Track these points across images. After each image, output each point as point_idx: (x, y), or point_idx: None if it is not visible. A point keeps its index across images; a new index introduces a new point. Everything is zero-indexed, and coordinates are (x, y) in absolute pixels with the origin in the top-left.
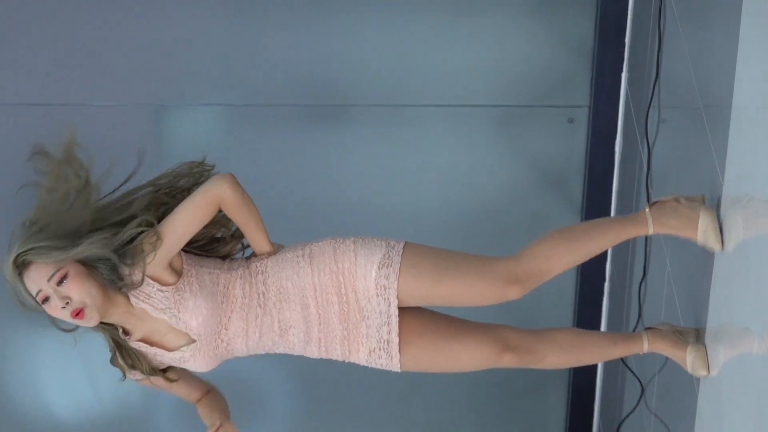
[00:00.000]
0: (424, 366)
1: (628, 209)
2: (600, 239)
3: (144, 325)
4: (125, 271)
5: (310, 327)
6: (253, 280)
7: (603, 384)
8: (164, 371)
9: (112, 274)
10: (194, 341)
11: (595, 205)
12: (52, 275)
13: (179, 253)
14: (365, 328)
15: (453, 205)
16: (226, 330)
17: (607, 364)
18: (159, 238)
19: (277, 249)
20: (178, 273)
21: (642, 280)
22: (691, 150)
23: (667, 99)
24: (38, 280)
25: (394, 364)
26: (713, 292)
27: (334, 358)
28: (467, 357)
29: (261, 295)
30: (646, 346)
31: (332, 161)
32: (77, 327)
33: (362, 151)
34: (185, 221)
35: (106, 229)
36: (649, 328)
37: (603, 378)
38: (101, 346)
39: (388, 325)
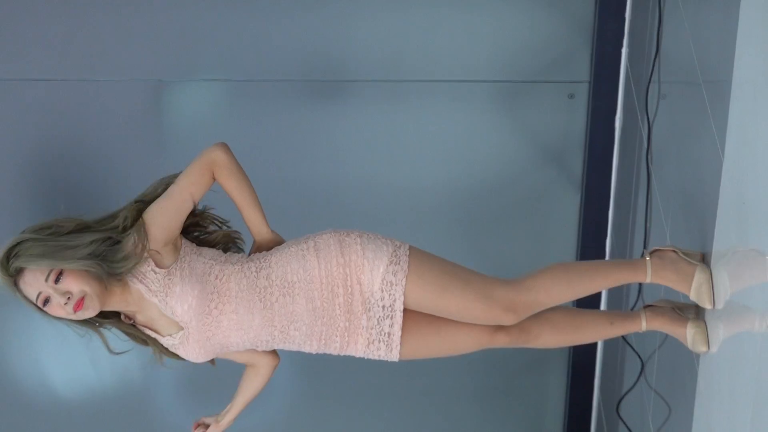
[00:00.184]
0: (421, 352)
1: (627, 186)
2: (598, 282)
3: (142, 308)
4: (129, 243)
5: (314, 320)
6: (254, 275)
7: (603, 360)
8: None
9: (106, 262)
10: (182, 328)
11: (595, 181)
12: (48, 275)
13: (180, 236)
14: (366, 320)
15: (453, 180)
16: (218, 323)
17: (608, 341)
18: (155, 212)
19: (275, 236)
20: (177, 253)
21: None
22: (691, 125)
23: (667, 75)
24: (35, 283)
25: (392, 355)
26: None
27: (331, 351)
28: (462, 338)
29: (263, 290)
30: (644, 324)
31: (332, 136)
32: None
33: (362, 126)
34: (180, 187)
35: (96, 232)
36: (648, 306)
37: (603, 354)
38: None
39: (392, 318)
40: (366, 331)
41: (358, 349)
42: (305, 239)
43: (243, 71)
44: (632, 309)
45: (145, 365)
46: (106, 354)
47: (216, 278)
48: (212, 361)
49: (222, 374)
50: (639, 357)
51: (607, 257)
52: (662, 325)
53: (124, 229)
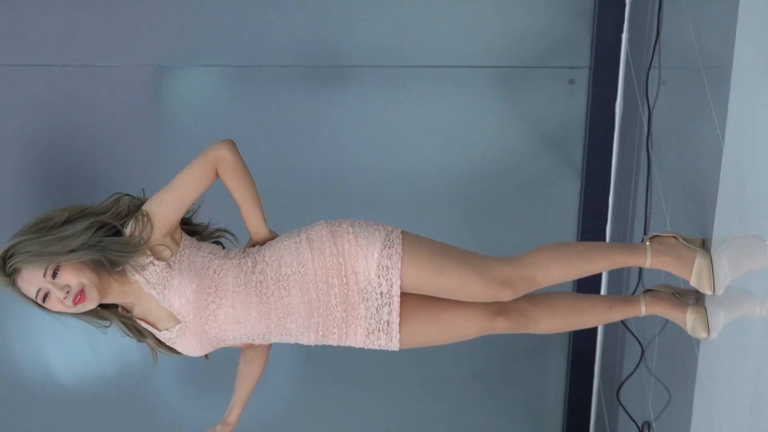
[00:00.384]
0: (421, 340)
1: (627, 171)
2: (597, 262)
3: (139, 301)
4: (127, 231)
5: (311, 312)
6: (250, 270)
7: (603, 346)
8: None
9: (104, 251)
10: (180, 322)
11: (595, 167)
12: (45, 270)
13: (179, 229)
14: (364, 309)
15: (453, 165)
16: (215, 317)
17: (608, 326)
18: (156, 204)
19: (271, 234)
20: (177, 244)
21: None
22: (691, 111)
23: (668, 60)
24: (33, 280)
25: (393, 344)
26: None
27: (330, 343)
28: (462, 325)
29: (258, 284)
30: (643, 309)
31: (332, 122)
32: (108, 323)
33: (362, 112)
34: (183, 182)
35: (89, 217)
36: (648, 291)
37: (603, 340)
38: None
39: (389, 305)
40: (365, 320)
41: (358, 339)
42: (297, 232)
43: (242, 57)
44: (632, 294)
45: (146, 352)
46: (106, 340)
47: (214, 272)
48: (206, 356)
49: (222, 360)
50: (639, 343)
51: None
52: (662, 310)
53: (118, 216)
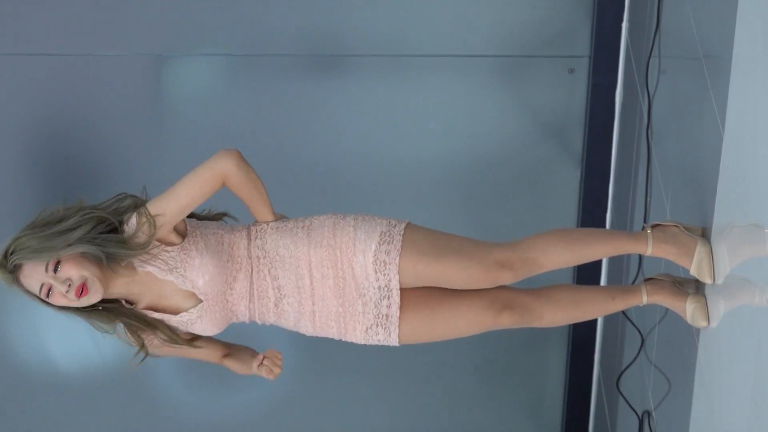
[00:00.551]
0: (422, 336)
1: (627, 161)
2: (598, 248)
3: (150, 290)
4: (128, 237)
5: (303, 299)
6: (253, 244)
7: (603, 335)
8: (190, 339)
9: (105, 247)
10: (200, 302)
11: (595, 156)
12: (47, 265)
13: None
14: (362, 305)
15: (453, 154)
16: (232, 290)
17: (608, 316)
18: (159, 210)
19: (279, 217)
20: (182, 235)
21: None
22: (691, 100)
23: (668, 49)
24: (36, 275)
25: (392, 339)
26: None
27: (330, 336)
28: (464, 321)
29: (258, 259)
30: (644, 298)
31: (332, 111)
32: (112, 330)
33: (362, 101)
34: (189, 193)
35: (88, 212)
36: (649, 280)
37: (603, 329)
38: None
39: (389, 299)
40: (363, 316)
41: (357, 335)
42: (303, 219)
43: (243, 46)
44: (633, 283)
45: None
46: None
47: (229, 246)
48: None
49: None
50: (639, 332)
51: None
52: (662, 299)
53: (118, 213)
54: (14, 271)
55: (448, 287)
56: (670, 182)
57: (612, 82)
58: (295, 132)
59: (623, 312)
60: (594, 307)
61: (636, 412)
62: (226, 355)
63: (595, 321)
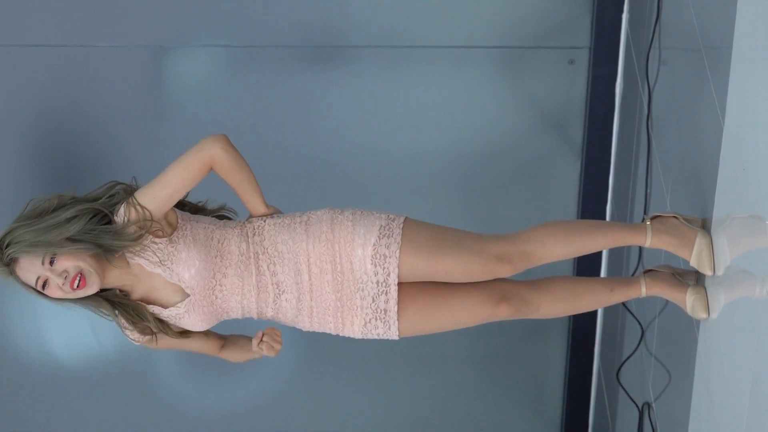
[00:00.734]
0: (421, 329)
1: (627, 152)
2: (597, 240)
3: (141, 283)
4: (121, 228)
5: (302, 294)
6: (250, 240)
7: (603, 327)
8: (180, 332)
9: (101, 239)
10: (188, 296)
11: (595, 147)
12: (43, 259)
13: (173, 208)
14: (360, 299)
15: (453, 146)
16: (221, 286)
17: (608, 307)
18: (148, 198)
19: (273, 211)
20: (173, 227)
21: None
22: (691, 92)
23: (668, 41)
24: (32, 268)
25: (392, 333)
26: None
27: (328, 331)
28: (463, 313)
29: (256, 255)
30: (643, 290)
31: (333, 102)
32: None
33: (362, 92)
34: (177, 178)
35: (82, 204)
36: (648, 271)
37: (603, 321)
38: None
39: (386, 294)
40: (361, 311)
41: (355, 330)
42: (301, 214)
43: (243, 37)
44: (633, 274)
45: None
46: (107, 321)
47: (218, 242)
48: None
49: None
50: (639, 323)
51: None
52: (662, 291)
53: (110, 204)
54: (10, 264)
55: (447, 281)
56: (670, 174)
57: (612, 74)
58: (294, 123)
59: (623, 303)
60: (592, 299)
61: (636, 404)
62: (223, 346)
63: (595, 312)
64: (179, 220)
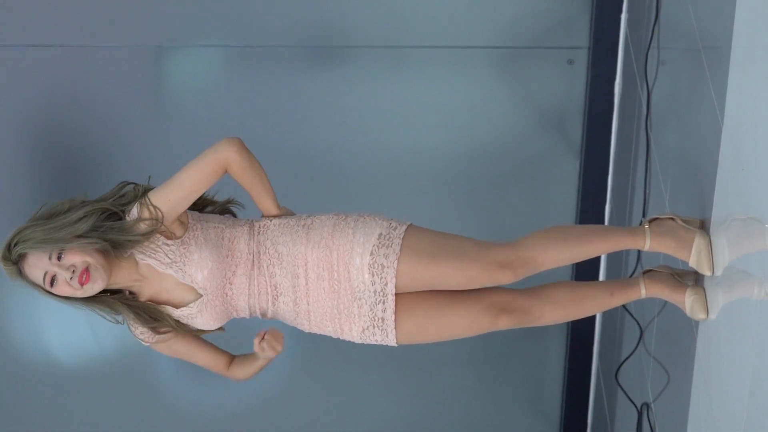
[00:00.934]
0: (419, 338)
1: (627, 152)
2: (596, 245)
3: (151, 284)
4: (128, 224)
5: (298, 298)
6: (255, 239)
7: (602, 327)
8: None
9: (108, 234)
10: (200, 296)
11: (594, 147)
12: (51, 254)
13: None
14: (357, 308)
15: (452, 146)
16: (231, 284)
17: None
18: (161, 199)
19: (284, 212)
20: (184, 226)
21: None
22: (690, 92)
23: (667, 41)
24: (39, 264)
25: (390, 340)
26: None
27: (328, 334)
28: (461, 325)
29: (260, 255)
30: (643, 292)
31: (331, 102)
32: (120, 320)
33: (362, 92)
34: (191, 180)
35: (92, 204)
36: (647, 272)
37: (602, 321)
38: None
39: (384, 303)
40: (359, 318)
41: (354, 336)
42: (306, 216)
43: (242, 37)
44: (632, 275)
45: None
46: (106, 322)
47: (228, 240)
48: (221, 328)
49: (222, 341)
50: (638, 324)
51: (606, 223)
52: (661, 292)
53: (120, 203)
54: (18, 262)
55: (448, 288)
56: (669, 173)
57: (611, 74)
58: (294, 123)
59: (622, 304)
60: (593, 303)
61: (635, 404)
62: (231, 364)
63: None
64: (190, 220)
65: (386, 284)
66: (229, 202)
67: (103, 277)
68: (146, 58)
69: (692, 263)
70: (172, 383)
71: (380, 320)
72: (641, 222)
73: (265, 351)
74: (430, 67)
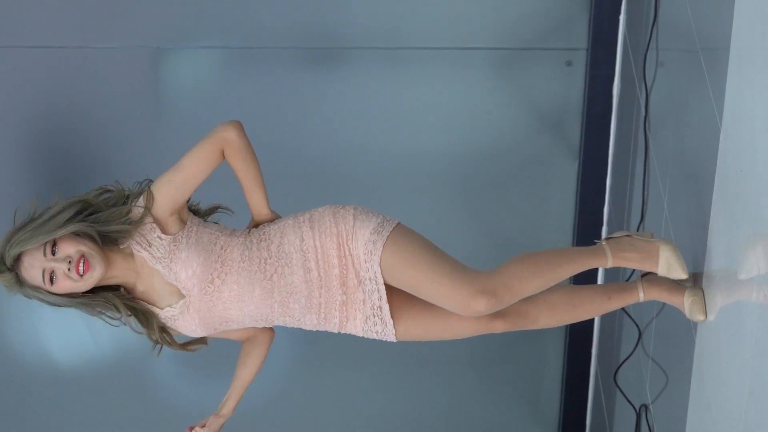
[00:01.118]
0: (418, 334)
1: (625, 153)
2: (565, 268)
3: (142, 280)
4: (112, 212)
5: (311, 291)
6: (255, 247)
7: (600, 329)
8: (184, 346)
9: (97, 227)
10: (185, 297)
11: (592, 148)
12: (44, 250)
13: (186, 209)
14: (362, 293)
15: (451, 147)
16: (220, 293)
17: None
18: (164, 182)
19: (273, 215)
20: (181, 226)
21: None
22: (688, 93)
23: (665, 42)
24: (35, 262)
25: (389, 332)
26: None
27: (330, 328)
28: (458, 324)
29: (262, 261)
30: (641, 295)
31: (330, 104)
32: (121, 321)
33: (360, 93)
34: (190, 160)
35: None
36: (645, 275)
37: (600, 323)
38: None
39: (378, 292)
40: (362, 305)
41: (357, 325)
42: (302, 213)
43: (241, 38)
44: (629, 279)
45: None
46: (104, 323)
47: (221, 248)
48: (204, 340)
49: (220, 344)
50: (636, 325)
51: (604, 224)
52: (659, 294)
53: (107, 202)
54: (14, 268)
55: (418, 296)
56: (668, 175)
57: (609, 75)
58: (292, 124)
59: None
60: (590, 307)
61: (633, 406)
62: (246, 340)
63: None
64: (188, 222)
65: (375, 272)
66: (215, 208)
67: (101, 264)
68: (145, 59)
69: (662, 271)
70: (170, 384)
71: (378, 309)
72: (594, 242)
73: None
74: (429, 68)
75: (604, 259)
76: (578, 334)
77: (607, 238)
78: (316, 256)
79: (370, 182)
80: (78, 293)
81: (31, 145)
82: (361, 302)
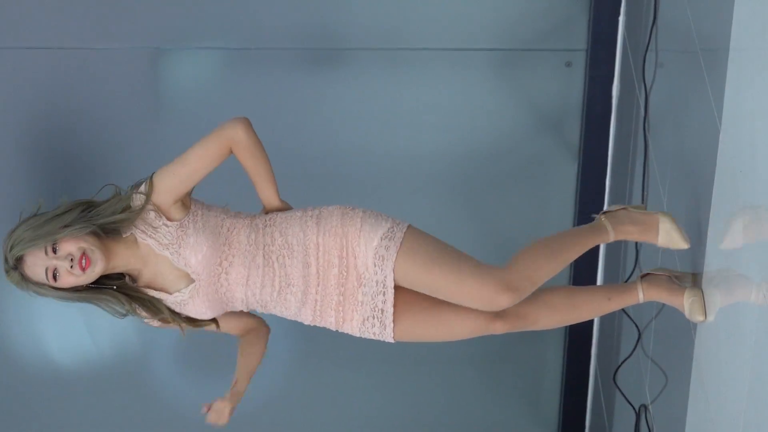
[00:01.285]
0: (416, 335)
1: (624, 154)
2: (574, 248)
3: (148, 267)
4: (110, 205)
5: (308, 287)
6: (260, 231)
7: (600, 329)
8: (195, 321)
9: (98, 221)
10: (193, 282)
11: (592, 149)
12: (46, 249)
13: (189, 196)
14: (361, 295)
15: (450, 148)
16: (227, 274)
17: None
18: (167, 174)
19: (285, 206)
20: (186, 211)
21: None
22: (688, 94)
23: (665, 43)
24: (38, 261)
25: (387, 333)
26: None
27: (327, 326)
28: (458, 326)
29: (266, 247)
30: (641, 296)
31: (330, 104)
32: (128, 311)
33: (360, 94)
34: (196, 156)
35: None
36: (645, 275)
37: (600, 323)
38: None
39: (384, 294)
40: (361, 306)
41: (354, 326)
42: (312, 208)
43: (240, 39)
44: (628, 279)
45: (144, 333)
46: (103, 322)
47: (228, 230)
48: (216, 323)
49: (219, 342)
50: (636, 326)
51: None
52: (659, 295)
53: (107, 202)
54: (17, 267)
55: (441, 297)
56: (667, 175)
57: (609, 76)
58: (292, 125)
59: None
60: (590, 308)
61: (633, 406)
62: (244, 336)
63: None
64: (192, 206)
65: (386, 276)
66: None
67: (102, 258)
68: (144, 60)
69: (662, 242)
70: (170, 383)
71: (380, 311)
72: (593, 217)
73: (210, 418)
74: (428, 69)
75: (606, 235)
76: (578, 335)
77: (603, 212)
78: (317, 253)
79: (370, 182)
80: (82, 286)
81: (31, 145)
82: (360, 304)
